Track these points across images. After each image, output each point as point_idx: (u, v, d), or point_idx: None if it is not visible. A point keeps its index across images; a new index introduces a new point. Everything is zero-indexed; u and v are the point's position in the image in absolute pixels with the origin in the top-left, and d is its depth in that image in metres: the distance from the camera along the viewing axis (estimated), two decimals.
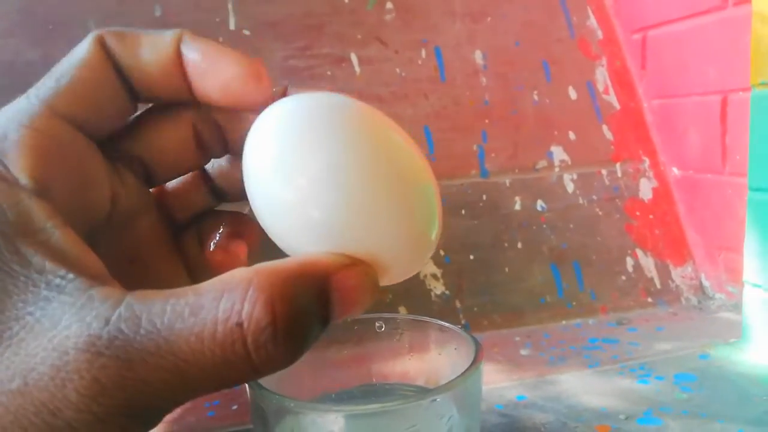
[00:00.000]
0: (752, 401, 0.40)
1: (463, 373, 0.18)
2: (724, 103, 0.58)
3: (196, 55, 0.19)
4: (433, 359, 0.21)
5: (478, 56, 0.67)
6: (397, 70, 0.64)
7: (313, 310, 0.16)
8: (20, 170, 0.16)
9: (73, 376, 0.14)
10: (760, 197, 0.46)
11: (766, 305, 0.46)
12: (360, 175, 0.16)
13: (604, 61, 0.70)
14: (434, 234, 0.18)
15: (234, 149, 0.22)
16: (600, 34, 0.71)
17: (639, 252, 0.62)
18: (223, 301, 0.15)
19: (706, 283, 0.62)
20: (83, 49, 0.19)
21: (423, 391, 0.17)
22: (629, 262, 0.61)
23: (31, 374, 0.14)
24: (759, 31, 0.46)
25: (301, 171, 0.16)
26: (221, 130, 0.22)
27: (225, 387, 0.15)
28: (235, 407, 0.44)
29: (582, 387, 0.44)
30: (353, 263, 0.17)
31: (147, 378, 0.14)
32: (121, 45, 0.19)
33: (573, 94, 0.67)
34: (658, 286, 0.61)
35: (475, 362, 0.18)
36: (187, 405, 0.45)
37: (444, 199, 0.66)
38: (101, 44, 0.19)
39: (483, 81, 0.66)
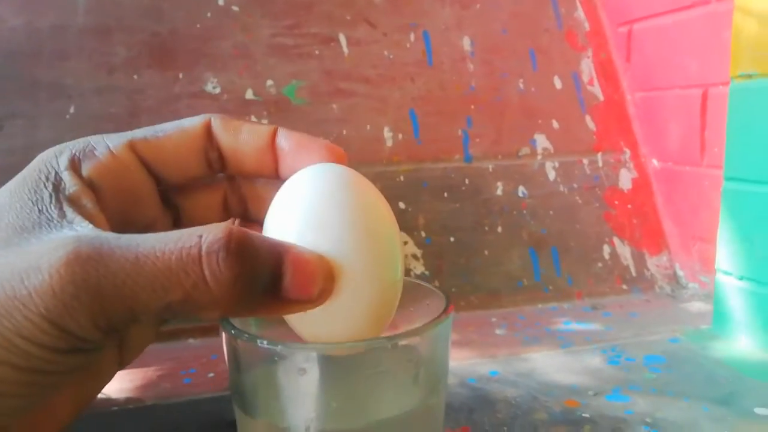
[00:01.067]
0: (718, 382, 0.42)
1: (431, 321, 0.18)
2: (704, 97, 0.59)
3: (289, 144, 0.24)
4: (407, 314, 0.21)
5: (466, 42, 0.67)
6: (385, 52, 0.64)
7: (266, 259, 0.18)
8: (87, 171, 0.21)
9: (44, 264, 0.17)
10: (734, 187, 0.48)
11: (736, 292, 0.47)
12: (346, 230, 0.19)
13: (590, 52, 0.71)
14: (398, 276, 0.20)
15: (251, 216, 0.27)
16: (587, 25, 0.72)
17: (616, 240, 0.63)
18: (194, 230, 0.18)
19: (680, 272, 0.63)
20: (192, 121, 0.24)
21: (393, 336, 0.18)
22: (606, 249, 0.62)
23: (17, 260, 0.17)
24: (740, 23, 0.47)
25: (310, 223, 0.20)
26: (244, 200, 0.27)
27: (177, 297, 0.17)
28: (211, 375, 0.45)
29: (554, 365, 0.45)
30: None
31: (109, 265, 0.17)
32: (226, 128, 0.24)
33: (558, 83, 0.68)
34: (634, 273, 0.62)
35: (445, 312, 0.19)
36: (163, 372, 0.45)
37: (427, 182, 0.67)
38: (207, 123, 0.24)
39: (470, 67, 0.67)
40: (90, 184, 0.21)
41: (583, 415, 0.37)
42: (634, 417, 0.37)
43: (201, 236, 0.17)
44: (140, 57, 0.59)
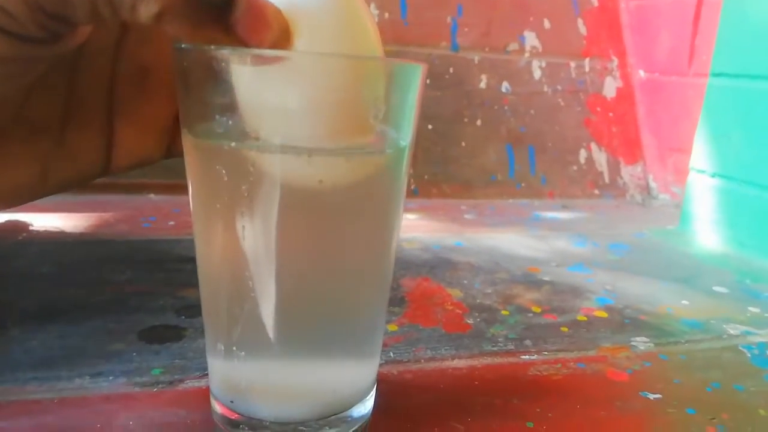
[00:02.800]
0: (679, 267, 0.42)
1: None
2: (699, 3, 0.58)
3: None
4: None
5: None
6: None
7: None
8: None
9: None
10: (719, 83, 0.47)
11: (707, 190, 0.47)
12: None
13: None
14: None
15: None
16: None
17: (593, 146, 0.62)
18: None
19: (653, 184, 0.63)
20: None
21: (355, 55, 0.17)
22: (583, 154, 0.62)
23: None
24: None
25: None
26: None
27: None
28: (171, 223, 0.43)
29: (519, 243, 0.45)
30: None
31: None
32: None
33: None
34: (607, 180, 0.62)
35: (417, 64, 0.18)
36: (121, 217, 0.44)
37: None
38: None
39: None
40: None
41: (544, 278, 0.37)
42: (594, 284, 0.37)
43: None
44: None
